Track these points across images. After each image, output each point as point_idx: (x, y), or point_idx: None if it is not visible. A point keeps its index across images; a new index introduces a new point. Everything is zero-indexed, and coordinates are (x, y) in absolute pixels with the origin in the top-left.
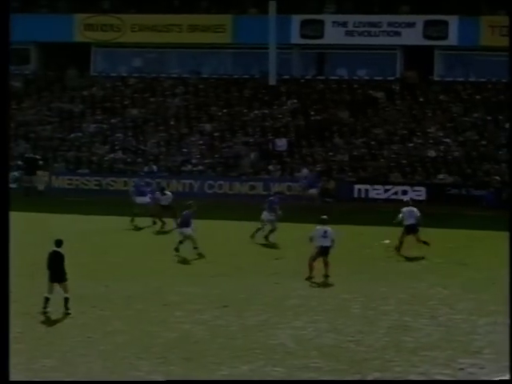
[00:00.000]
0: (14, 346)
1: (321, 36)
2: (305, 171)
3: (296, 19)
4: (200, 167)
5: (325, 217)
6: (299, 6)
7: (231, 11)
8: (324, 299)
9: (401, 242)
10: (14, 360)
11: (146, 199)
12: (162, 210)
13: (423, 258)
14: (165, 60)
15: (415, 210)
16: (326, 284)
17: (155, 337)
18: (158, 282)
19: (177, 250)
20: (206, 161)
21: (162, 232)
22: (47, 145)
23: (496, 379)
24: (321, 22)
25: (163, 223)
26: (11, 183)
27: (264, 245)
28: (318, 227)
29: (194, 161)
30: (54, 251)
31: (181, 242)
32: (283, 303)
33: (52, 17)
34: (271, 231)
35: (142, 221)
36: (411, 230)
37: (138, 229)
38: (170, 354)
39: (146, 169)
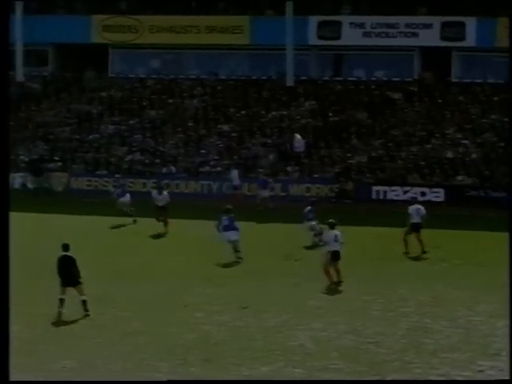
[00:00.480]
0: (34, 347)
1: (338, 37)
2: (234, 172)
3: (313, 20)
4: (218, 168)
5: (332, 220)
6: (316, 7)
7: (248, 12)
8: (343, 301)
9: (405, 242)
10: (33, 361)
11: (127, 198)
12: (158, 211)
13: (443, 259)
14: (182, 61)
15: (421, 208)
16: (344, 286)
17: (175, 338)
18: (176, 283)
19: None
20: (225, 162)
21: (160, 234)
22: (66, 146)
23: (496, 379)
24: (338, 23)
25: (166, 225)
26: (19, 186)
27: (283, 246)
28: (330, 231)
29: (212, 162)
30: (64, 256)
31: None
32: (302, 305)
33: (70, 18)
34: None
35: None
36: (416, 228)
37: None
38: (190, 355)
39: (164, 170)
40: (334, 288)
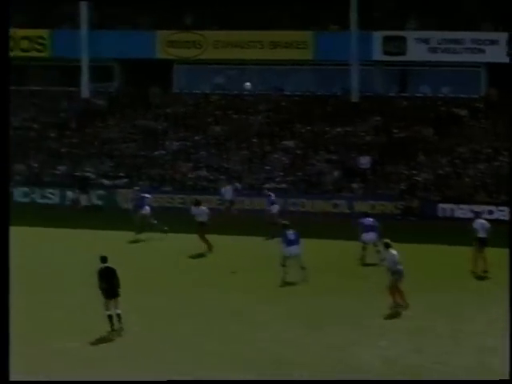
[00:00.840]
0: (98, 363)
1: (403, 53)
2: (228, 188)
3: (378, 36)
4: (283, 185)
5: (388, 240)
6: (381, 23)
7: (312, 27)
8: (408, 319)
9: (474, 260)
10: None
11: (147, 209)
12: (199, 228)
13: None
14: (247, 77)
15: (486, 222)
16: (410, 303)
17: (240, 356)
18: (241, 300)
19: (284, 265)
20: (289, 178)
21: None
22: (131, 162)
23: (496, 379)
24: (403, 39)
25: (209, 246)
26: (68, 201)
27: (346, 264)
28: (389, 251)
29: (277, 178)
30: (105, 267)
31: (284, 262)
32: (367, 323)
33: (135, 33)
34: (377, 251)
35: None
36: (483, 243)
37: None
38: (255, 372)
39: (228, 187)
40: (398, 306)
